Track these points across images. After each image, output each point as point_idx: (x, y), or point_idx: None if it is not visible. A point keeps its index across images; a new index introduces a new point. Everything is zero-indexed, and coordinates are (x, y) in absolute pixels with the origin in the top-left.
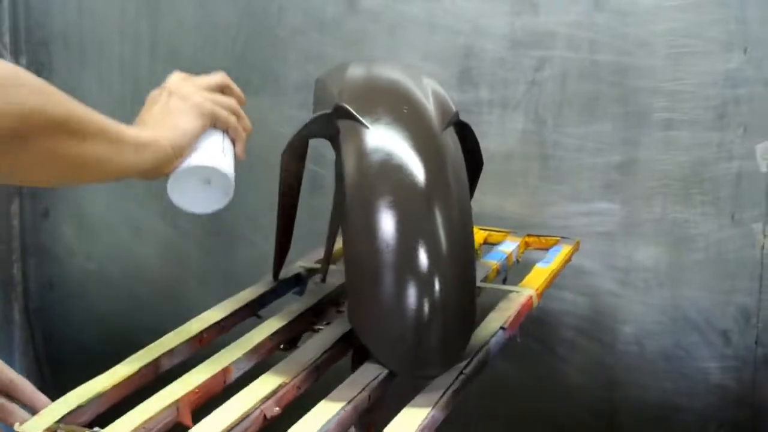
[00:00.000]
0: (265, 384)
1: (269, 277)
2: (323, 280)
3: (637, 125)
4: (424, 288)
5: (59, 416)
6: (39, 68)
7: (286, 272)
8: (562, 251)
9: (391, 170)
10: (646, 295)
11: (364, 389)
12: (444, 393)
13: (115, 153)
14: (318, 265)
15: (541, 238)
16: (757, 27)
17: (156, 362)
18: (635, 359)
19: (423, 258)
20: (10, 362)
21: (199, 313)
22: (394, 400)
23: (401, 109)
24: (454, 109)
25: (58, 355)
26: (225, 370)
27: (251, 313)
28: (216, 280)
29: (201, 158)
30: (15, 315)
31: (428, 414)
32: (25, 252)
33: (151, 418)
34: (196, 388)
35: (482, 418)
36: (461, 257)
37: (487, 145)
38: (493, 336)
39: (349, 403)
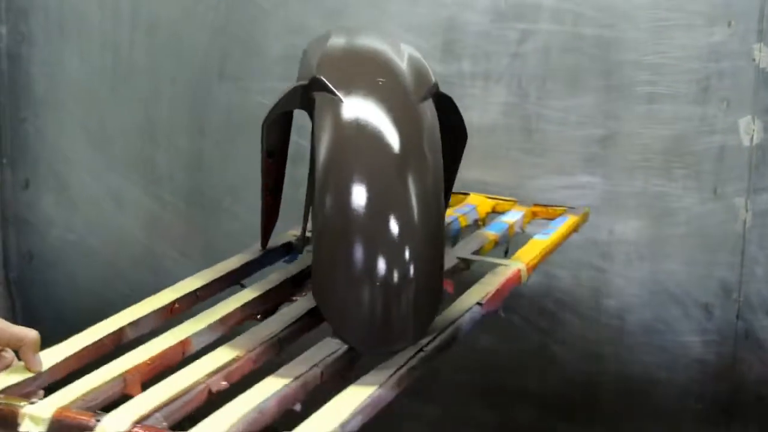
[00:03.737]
0: (219, 357)
1: (257, 245)
2: (301, 251)
3: (620, 98)
4: (386, 259)
5: (4, 386)
6: (19, 38)
7: (276, 241)
8: (566, 222)
9: (362, 142)
10: (627, 269)
11: (316, 365)
12: (397, 371)
13: None
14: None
15: (548, 208)
16: (741, 0)
17: (119, 332)
18: (617, 333)
19: (387, 229)
20: None
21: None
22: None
23: (376, 80)
24: (433, 80)
25: (39, 325)
26: (183, 342)
27: (233, 282)
28: (198, 252)
29: None
30: None
31: (372, 393)
32: (5, 222)
33: (94, 389)
34: (149, 359)
35: (464, 392)
36: (430, 230)
37: (469, 117)
38: (467, 311)
39: (296, 379)
